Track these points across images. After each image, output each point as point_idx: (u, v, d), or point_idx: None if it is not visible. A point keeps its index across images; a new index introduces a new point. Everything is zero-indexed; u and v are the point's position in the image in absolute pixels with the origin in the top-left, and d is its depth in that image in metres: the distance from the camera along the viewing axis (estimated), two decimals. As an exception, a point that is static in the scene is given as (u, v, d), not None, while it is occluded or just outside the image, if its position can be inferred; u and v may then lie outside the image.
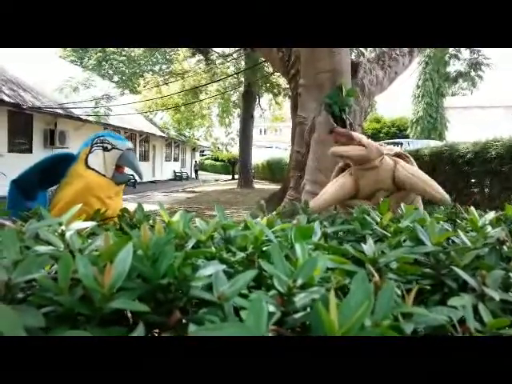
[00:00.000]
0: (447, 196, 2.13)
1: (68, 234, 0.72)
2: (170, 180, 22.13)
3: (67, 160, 2.25)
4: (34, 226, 0.82)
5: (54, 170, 2.21)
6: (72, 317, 0.50)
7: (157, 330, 0.56)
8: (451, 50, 10.22)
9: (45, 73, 13.59)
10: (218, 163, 33.04)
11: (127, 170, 2.38)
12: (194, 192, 15.74)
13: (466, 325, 0.57)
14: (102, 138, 2.23)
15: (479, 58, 9.86)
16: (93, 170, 2.16)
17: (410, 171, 2.20)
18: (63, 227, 0.75)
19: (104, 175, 2.17)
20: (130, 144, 2.31)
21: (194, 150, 27.36)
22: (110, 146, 2.20)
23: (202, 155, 34.56)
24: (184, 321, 0.54)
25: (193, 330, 0.40)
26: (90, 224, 0.84)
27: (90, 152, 2.20)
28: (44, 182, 2.28)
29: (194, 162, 28.15)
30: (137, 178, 2.40)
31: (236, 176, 21.39)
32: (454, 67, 10.75)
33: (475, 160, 6.75)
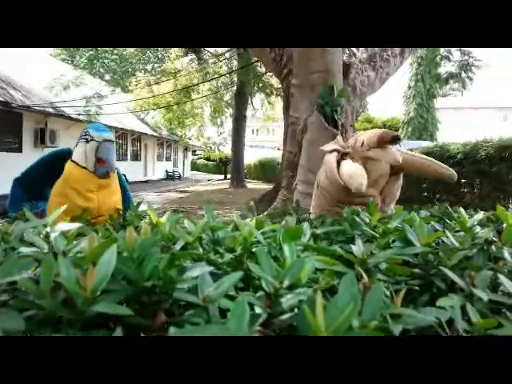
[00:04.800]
0: (453, 171, 2.20)
1: (53, 236, 0.71)
2: (162, 180, 21.99)
3: (69, 155, 2.23)
4: (19, 227, 0.80)
5: (58, 166, 2.18)
6: (54, 321, 0.49)
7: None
8: (442, 51, 10.30)
9: (35, 71, 13.43)
10: (210, 163, 32.93)
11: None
12: (186, 192, 15.68)
13: (454, 325, 0.57)
14: (85, 130, 2.20)
15: (470, 59, 9.95)
16: (74, 162, 2.14)
17: (411, 153, 2.31)
18: (48, 229, 0.74)
19: (85, 167, 2.13)
20: (107, 135, 2.22)
21: (186, 149, 27.05)
22: (89, 138, 2.17)
23: (195, 155, 34.34)
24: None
25: (173, 331, 0.39)
26: (76, 225, 0.82)
27: (76, 145, 2.20)
28: (49, 178, 2.25)
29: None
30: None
31: (228, 176, 21.32)
32: (445, 68, 10.84)
33: (465, 160, 6.83)
